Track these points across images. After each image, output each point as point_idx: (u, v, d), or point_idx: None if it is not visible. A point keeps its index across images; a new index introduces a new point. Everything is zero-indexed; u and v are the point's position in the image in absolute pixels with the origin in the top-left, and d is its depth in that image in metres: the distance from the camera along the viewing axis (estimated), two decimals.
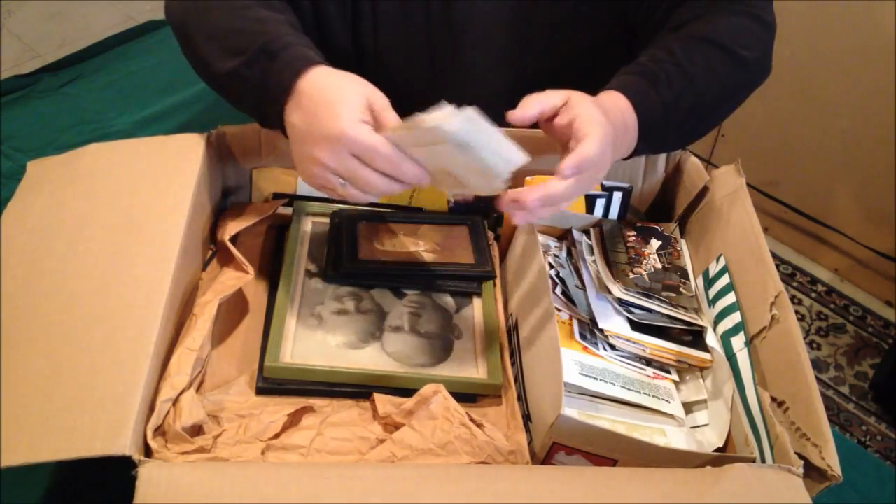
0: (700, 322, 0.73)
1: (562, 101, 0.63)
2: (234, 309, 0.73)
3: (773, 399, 0.63)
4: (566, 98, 0.63)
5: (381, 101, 0.62)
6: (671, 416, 0.68)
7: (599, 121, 0.62)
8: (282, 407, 0.63)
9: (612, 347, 0.71)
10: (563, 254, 0.79)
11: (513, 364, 0.70)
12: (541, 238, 0.78)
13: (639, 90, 0.70)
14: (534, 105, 0.63)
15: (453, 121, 0.54)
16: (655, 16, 0.80)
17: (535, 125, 0.65)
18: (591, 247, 0.79)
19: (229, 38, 0.68)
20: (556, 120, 0.63)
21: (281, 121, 0.65)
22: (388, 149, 0.58)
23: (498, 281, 0.79)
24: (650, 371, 0.71)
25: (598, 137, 0.60)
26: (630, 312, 0.72)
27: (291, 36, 0.67)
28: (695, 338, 0.73)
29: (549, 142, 0.66)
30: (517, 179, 0.82)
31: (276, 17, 0.71)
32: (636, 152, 0.71)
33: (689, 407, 0.70)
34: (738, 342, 0.68)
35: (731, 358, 0.68)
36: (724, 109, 0.78)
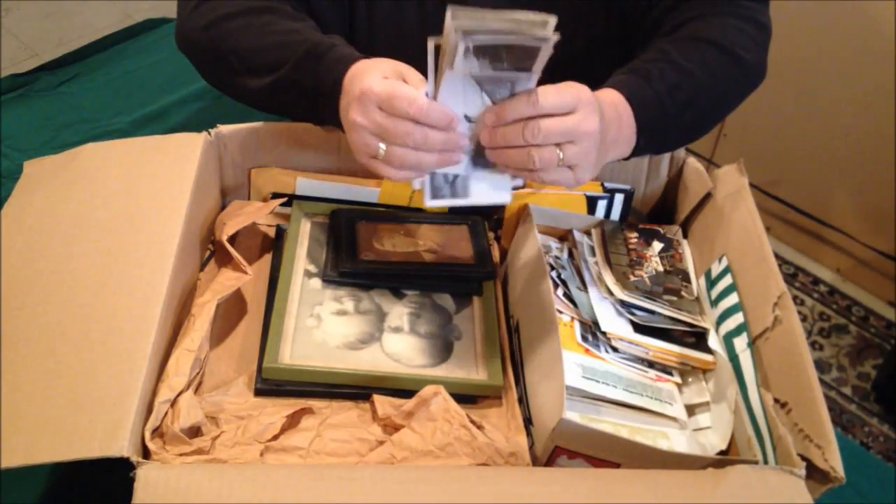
0: (703, 324, 0.72)
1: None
2: (232, 309, 0.72)
3: (776, 400, 0.62)
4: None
5: (414, 73, 0.64)
6: (674, 418, 0.68)
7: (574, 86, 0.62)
8: (280, 408, 0.63)
9: (615, 350, 0.70)
10: (565, 255, 0.79)
11: (514, 366, 0.70)
12: (542, 239, 0.77)
13: (630, 84, 0.70)
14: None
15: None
16: (651, 16, 0.80)
17: None
18: (592, 248, 0.79)
19: (268, 52, 0.72)
20: None
21: (337, 116, 0.68)
22: (406, 90, 0.60)
23: (498, 281, 0.78)
24: (652, 373, 0.70)
25: (581, 87, 0.61)
26: (632, 314, 0.72)
27: (329, 38, 0.71)
28: (697, 339, 0.72)
29: None
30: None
31: (307, 25, 0.75)
32: (639, 149, 0.71)
33: (691, 409, 0.70)
34: (740, 343, 0.68)
35: (733, 359, 0.68)
36: (722, 108, 0.78)
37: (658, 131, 0.71)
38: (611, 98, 0.69)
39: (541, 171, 0.61)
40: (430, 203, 0.65)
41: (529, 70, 0.59)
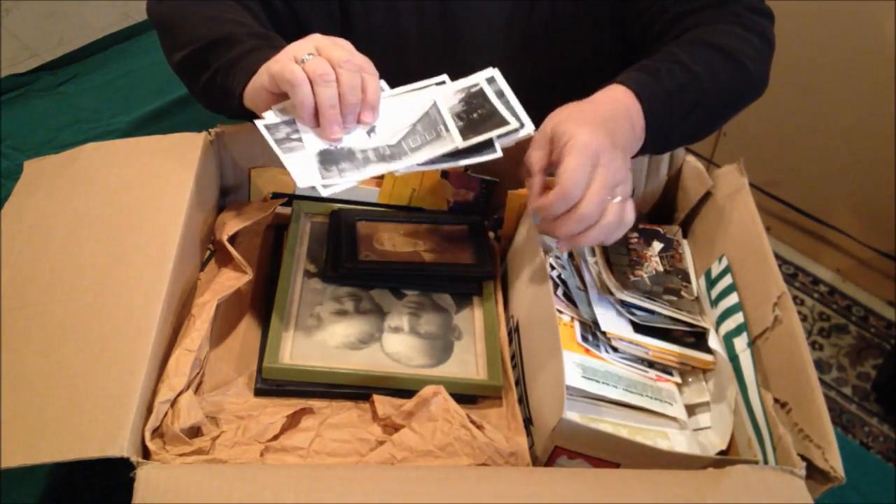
0: (702, 324, 0.72)
1: (548, 147, 0.65)
2: (232, 309, 0.72)
3: (776, 400, 0.62)
4: (548, 137, 0.65)
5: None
6: (674, 418, 0.68)
7: (575, 139, 0.62)
8: (281, 408, 0.63)
9: (615, 350, 0.70)
10: (565, 255, 0.79)
11: (514, 367, 0.70)
12: (542, 238, 0.77)
13: (639, 80, 0.70)
14: (537, 178, 0.66)
15: None
16: (653, 29, 0.80)
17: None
18: (592, 248, 0.79)
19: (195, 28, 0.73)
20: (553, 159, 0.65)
21: (249, 77, 0.67)
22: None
23: (498, 281, 0.78)
24: (652, 373, 0.70)
25: (575, 155, 0.62)
26: (632, 314, 0.72)
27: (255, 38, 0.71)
28: (697, 339, 0.72)
29: None
30: (519, 179, 0.81)
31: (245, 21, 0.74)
32: (645, 147, 0.71)
33: (691, 409, 0.70)
34: (740, 343, 0.68)
35: (733, 359, 0.68)
36: (724, 114, 0.78)
37: (663, 129, 0.71)
38: (614, 95, 0.69)
39: (618, 230, 0.64)
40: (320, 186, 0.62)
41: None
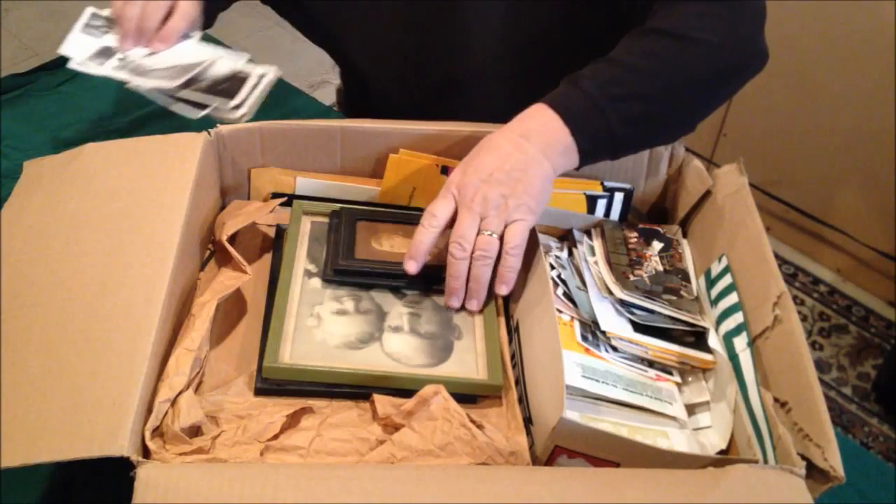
0: (702, 323, 0.72)
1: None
2: (232, 309, 0.72)
3: (776, 400, 0.62)
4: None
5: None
6: (674, 418, 0.68)
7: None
8: (281, 408, 0.63)
9: (614, 349, 0.70)
10: (565, 254, 0.79)
11: (514, 366, 0.70)
12: (542, 238, 0.77)
13: (554, 94, 0.71)
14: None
15: None
16: (633, 18, 0.79)
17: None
18: (592, 247, 0.79)
19: None
20: None
21: None
22: None
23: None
24: (652, 373, 0.70)
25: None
26: (632, 314, 0.72)
27: None
28: (697, 339, 0.72)
29: None
30: None
31: None
32: (590, 152, 0.71)
33: (691, 409, 0.70)
34: (740, 343, 0.68)
35: (733, 359, 0.68)
36: (691, 94, 0.74)
37: (599, 129, 0.70)
38: (523, 115, 0.71)
39: (510, 254, 0.69)
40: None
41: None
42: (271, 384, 0.65)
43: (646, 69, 0.71)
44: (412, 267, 0.70)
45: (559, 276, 0.75)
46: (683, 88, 0.73)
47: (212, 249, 0.77)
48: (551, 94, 0.72)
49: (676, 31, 0.72)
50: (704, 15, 0.73)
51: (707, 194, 0.80)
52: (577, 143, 0.70)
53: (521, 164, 0.68)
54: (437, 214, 0.69)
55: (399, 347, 0.69)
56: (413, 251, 0.70)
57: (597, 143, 0.71)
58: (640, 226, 0.82)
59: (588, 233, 0.81)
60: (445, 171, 0.80)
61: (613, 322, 0.71)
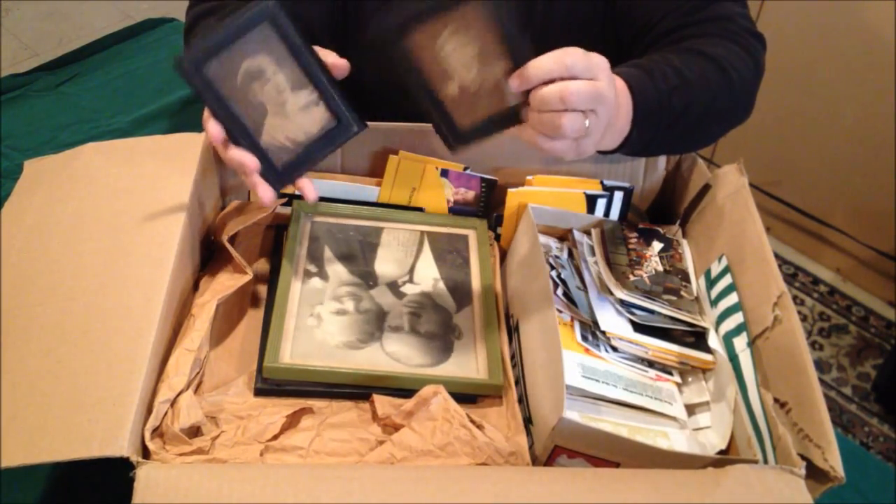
0: (702, 323, 0.72)
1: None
2: (232, 309, 0.72)
3: (776, 400, 0.62)
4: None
5: None
6: (673, 418, 0.68)
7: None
8: (280, 408, 0.63)
9: (614, 349, 0.70)
10: (565, 255, 0.79)
11: (514, 366, 0.70)
12: (542, 239, 0.77)
13: (635, 75, 0.69)
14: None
15: None
16: (647, 38, 0.79)
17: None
18: (592, 248, 0.79)
19: None
20: None
21: None
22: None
23: (498, 281, 0.78)
24: (652, 373, 0.70)
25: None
26: (632, 314, 0.72)
27: None
28: (697, 339, 0.72)
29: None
30: (519, 178, 0.82)
31: None
32: (627, 143, 0.69)
33: (691, 409, 0.70)
34: (740, 343, 0.68)
35: (733, 359, 0.68)
36: (708, 127, 0.76)
37: (650, 129, 0.70)
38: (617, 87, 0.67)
39: (562, 139, 0.59)
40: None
41: None
42: (271, 384, 0.65)
43: (698, 91, 0.71)
44: (515, 84, 0.59)
45: (559, 276, 0.75)
46: (711, 120, 0.75)
47: (212, 249, 0.77)
48: (632, 76, 0.68)
49: (725, 65, 0.73)
50: (739, 57, 0.75)
51: (707, 189, 0.80)
52: (629, 135, 0.68)
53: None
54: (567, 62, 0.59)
55: (399, 347, 0.69)
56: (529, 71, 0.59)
57: (636, 142, 0.70)
58: (640, 226, 0.82)
59: (588, 233, 0.81)
60: (445, 172, 0.80)
61: (613, 322, 0.71)
